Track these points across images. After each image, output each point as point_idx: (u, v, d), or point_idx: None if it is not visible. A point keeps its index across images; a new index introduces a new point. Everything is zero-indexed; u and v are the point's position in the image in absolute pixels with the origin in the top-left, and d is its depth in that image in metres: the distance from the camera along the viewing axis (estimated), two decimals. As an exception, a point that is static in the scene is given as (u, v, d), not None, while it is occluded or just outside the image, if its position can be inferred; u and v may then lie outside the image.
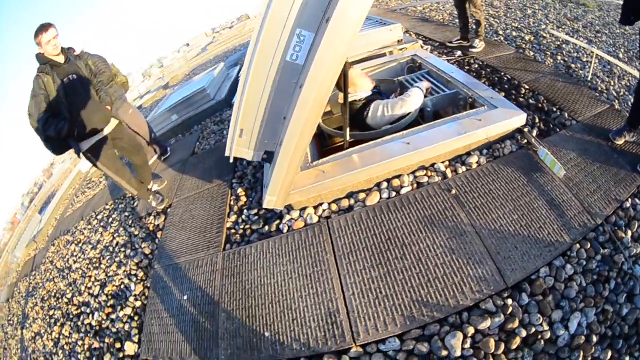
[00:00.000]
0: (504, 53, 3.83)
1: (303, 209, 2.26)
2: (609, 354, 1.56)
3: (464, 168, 2.23)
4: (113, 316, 2.45)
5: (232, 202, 2.73)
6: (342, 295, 1.75)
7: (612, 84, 3.31)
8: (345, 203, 2.20)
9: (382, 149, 2.23)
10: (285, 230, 2.19)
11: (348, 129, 2.35)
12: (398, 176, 2.25)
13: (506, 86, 3.14)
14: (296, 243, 2.08)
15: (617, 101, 3.03)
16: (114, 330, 2.35)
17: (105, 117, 2.57)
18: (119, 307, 2.46)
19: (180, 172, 3.58)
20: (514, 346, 1.52)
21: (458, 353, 1.49)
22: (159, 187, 3.29)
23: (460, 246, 1.80)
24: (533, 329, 1.56)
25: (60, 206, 6.19)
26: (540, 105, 2.84)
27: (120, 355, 2.16)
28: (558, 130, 2.56)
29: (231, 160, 2.17)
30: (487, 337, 1.54)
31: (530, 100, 2.90)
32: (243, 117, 2.38)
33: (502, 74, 3.33)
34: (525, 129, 2.41)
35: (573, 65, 3.56)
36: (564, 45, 4.00)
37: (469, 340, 1.53)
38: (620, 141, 2.49)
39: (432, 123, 2.39)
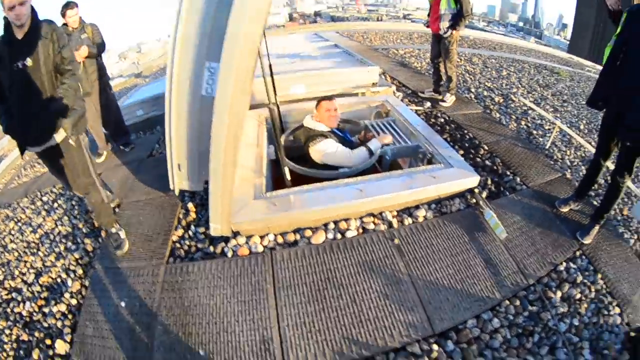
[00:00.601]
0: (472, 111, 4.64)
1: (250, 236, 2.60)
2: None
3: (410, 220, 2.73)
4: (46, 310, 2.58)
5: (181, 216, 3.05)
6: (278, 325, 2.08)
7: (568, 154, 4.13)
8: (291, 237, 2.59)
9: (335, 192, 2.69)
10: (229, 254, 2.53)
11: (287, 169, 2.90)
12: (346, 219, 2.69)
13: (467, 144, 3.83)
14: (239, 269, 2.42)
15: (569, 171, 3.79)
16: (45, 325, 2.49)
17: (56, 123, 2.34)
18: (53, 302, 2.61)
19: (135, 172, 3.89)
20: None
21: None
22: (118, 231, 2.99)
23: (395, 293, 2.22)
24: None
25: (7, 175, 6.07)
26: (495, 167, 3.51)
27: (50, 353, 2.28)
28: (508, 193, 3.19)
29: (177, 194, 2.45)
30: None
31: (487, 162, 3.57)
32: (176, 153, 2.86)
33: (466, 131, 4.05)
34: (476, 190, 3.00)
35: (534, 132, 4.39)
36: (529, 111, 4.91)
37: None
38: (565, 209, 3.15)
39: (388, 174, 2.92)
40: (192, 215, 3.05)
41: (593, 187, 3.69)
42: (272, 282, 2.32)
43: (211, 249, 2.63)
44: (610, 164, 3.25)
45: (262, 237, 2.61)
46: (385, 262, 2.40)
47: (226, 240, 2.64)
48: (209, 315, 2.19)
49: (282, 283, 2.31)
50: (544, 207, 3.14)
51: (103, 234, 3.06)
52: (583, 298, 2.52)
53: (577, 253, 2.83)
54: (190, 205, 3.13)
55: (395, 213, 2.79)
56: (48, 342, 2.37)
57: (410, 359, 1.96)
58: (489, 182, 3.30)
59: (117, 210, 3.31)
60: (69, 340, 2.32)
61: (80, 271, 2.81)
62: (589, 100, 2.65)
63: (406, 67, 6.91)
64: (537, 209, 3.11)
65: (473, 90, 5.45)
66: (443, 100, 4.70)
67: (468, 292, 2.30)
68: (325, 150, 3.02)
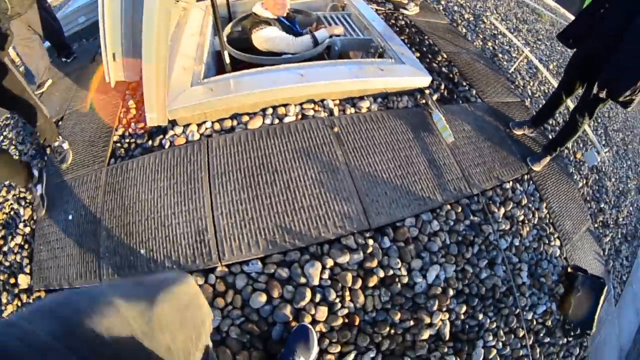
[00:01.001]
0: (437, 21, 4.65)
1: (187, 125, 2.65)
2: (464, 308, 2.21)
3: (353, 110, 2.77)
4: (5, 248, 2.65)
5: (121, 115, 3.06)
6: (212, 215, 2.16)
7: (530, 84, 4.35)
8: (228, 124, 2.63)
9: (275, 76, 2.67)
10: (167, 145, 2.58)
11: (227, 53, 2.88)
12: (285, 105, 2.69)
13: (424, 49, 3.86)
14: (175, 159, 2.46)
15: (529, 100, 4.01)
16: (7, 264, 2.56)
17: None
18: (10, 237, 2.68)
19: (77, 81, 3.81)
20: (371, 284, 2.04)
21: (316, 282, 1.96)
22: (61, 144, 3.05)
23: (331, 181, 2.27)
24: (391, 272, 2.11)
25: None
26: (451, 76, 3.60)
27: (16, 291, 2.38)
28: (461, 102, 3.32)
29: (112, 85, 2.57)
30: (345, 271, 2.03)
31: (444, 69, 3.65)
32: (110, 40, 2.86)
33: (426, 37, 4.06)
34: (427, 91, 3.07)
35: (500, 55, 4.54)
36: (499, 37, 5.03)
37: (327, 272, 2.01)
38: (518, 132, 3.36)
39: (334, 62, 2.92)
40: (133, 112, 3.06)
41: (549, 123, 3.98)
42: (207, 170, 2.34)
43: (149, 143, 2.66)
44: (570, 103, 3.46)
45: (199, 125, 2.64)
46: (322, 149, 2.43)
47: (164, 131, 2.66)
48: (148, 211, 2.25)
49: (217, 170, 2.34)
50: (497, 124, 3.33)
51: (48, 150, 3.04)
52: (526, 221, 2.78)
53: (525, 177, 3.09)
54: (131, 103, 3.13)
55: (337, 102, 2.80)
56: (12, 281, 2.43)
57: (344, 252, 2.04)
58: (442, 87, 3.39)
59: (60, 123, 3.28)
60: (28, 272, 2.41)
61: (29, 196, 2.80)
62: (560, 35, 2.78)
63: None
64: (490, 124, 3.28)
65: (443, 2, 5.42)
66: (405, 8, 4.62)
67: (408, 190, 2.40)
68: (266, 36, 3.08)
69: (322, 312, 1.91)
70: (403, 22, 4.23)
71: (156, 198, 2.29)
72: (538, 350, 2.41)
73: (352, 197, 2.23)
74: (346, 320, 1.94)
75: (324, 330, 1.90)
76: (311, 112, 2.64)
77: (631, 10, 2.27)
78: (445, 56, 3.83)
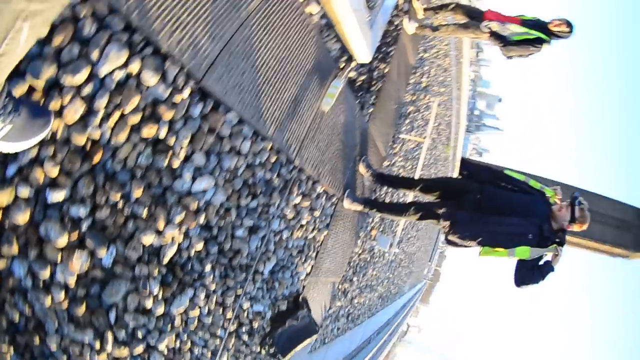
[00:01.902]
0: (409, 54, 4.59)
1: None
2: (200, 246, 1.79)
3: None
4: None
5: None
6: None
7: (397, 159, 4.51)
8: None
9: None
10: None
11: None
12: None
13: (382, 52, 3.63)
14: None
15: (390, 160, 4.10)
16: None
17: None
18: None
19: None
20: (144, 133, 1.45)
21: (106, 71, 1.20)
22: None
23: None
24: (173, 141, 1.56)
25: None
26: (372, 83, 3.45)
27: None
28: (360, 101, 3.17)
29: None
30: (134, 91, 1.34)
31: (375, 73, 3.47)
32: None
33: (392, 48, 3.89)
34: (354, 63, 2.78)
35: (408, 119, 4.65)
36: (423, 113, 5.23)
37: (123, 72, 1.33)
38: (361, 169, 3.40)
39: None
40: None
41: (388, 188, 4.14)
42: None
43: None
44: (414, 193, 3.61)
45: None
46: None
47: None
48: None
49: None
50: (359, 147, 3.37)
51: None
52: (304, 229, 2.69)
53: (334, 199, 3.09)
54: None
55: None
56: None
57: (156, 72, 1.40)
58: (363, 78, 3.21)
59: None
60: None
61: None
62: (463, 158, 3.02)
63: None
64: (355, 138, 3.29)
65: (421, 54, 5.38)
66: (411, 20, 4.25)
67: (264, 94, 2.02)
68: None
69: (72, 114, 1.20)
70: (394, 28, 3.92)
71: None
72: (232, 341, 2.17)
73: (219, 40, 1.64)
74: (87, 147, 1.28)
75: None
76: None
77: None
78: (385, 70, 3.70)
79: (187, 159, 1.63)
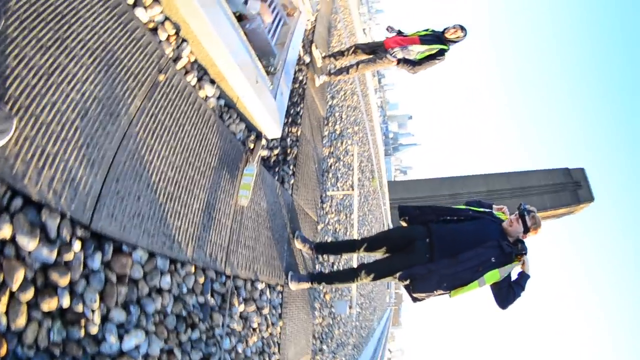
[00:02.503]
0: (319, 105, 4.53)
1: None
2: None
3: (194, 81, 2.01)
4: None
5: None
6: None
7: (333, 216, 4.41)
8: None
9: None
10: None
11: None
12: None
13: (292, 113, 3.52)
14: None
15: (322, 225, 3.97)
16: None
17: None
18: None
19: None
20: (46, 306, 1.14)
21: None
22: None
23: (95, 123, 1.33)
24: (81, 307, 1.24)
25: None
26: (289, 151, 3.28)
27: None
28: (276, 178, 2.98)
29: None
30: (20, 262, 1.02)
31: (288, 141, 3.32)
32: None
33: (301, 106, 3.79)
34: (264, 142, 2.61)
35: (331, 175, 4.58)
36: (344, 161, 5.19)
37: None
38: (298, 245, 3.20)
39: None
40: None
41: (327, 259, 3.98)
42: None
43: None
44: (359, 254, 3.47)
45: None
46: (131, 82, 1.49)
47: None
48: None
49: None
50: (287, 223, 3.13)
51: None
52: (258, 331, 2.45)
53: (278, 288, 2.86)
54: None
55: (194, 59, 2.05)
56: None
57: (35, 234, 1.08)
58: (276, 152, 3.04)
59: None
60: None
61: None
62: (400, 206, 2.91)
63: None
64: (282, 218, 3.04)
65: (330, 100, 5.27)
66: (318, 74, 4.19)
67: (166, 214, 1.70)
68: None
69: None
70: (299, 85, 3.81)
71: None
72: None
73: (100, 165, 1.35)
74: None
75: None
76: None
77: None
78: (298, 133, 3.54)
79: (105, 319, 1.33)
